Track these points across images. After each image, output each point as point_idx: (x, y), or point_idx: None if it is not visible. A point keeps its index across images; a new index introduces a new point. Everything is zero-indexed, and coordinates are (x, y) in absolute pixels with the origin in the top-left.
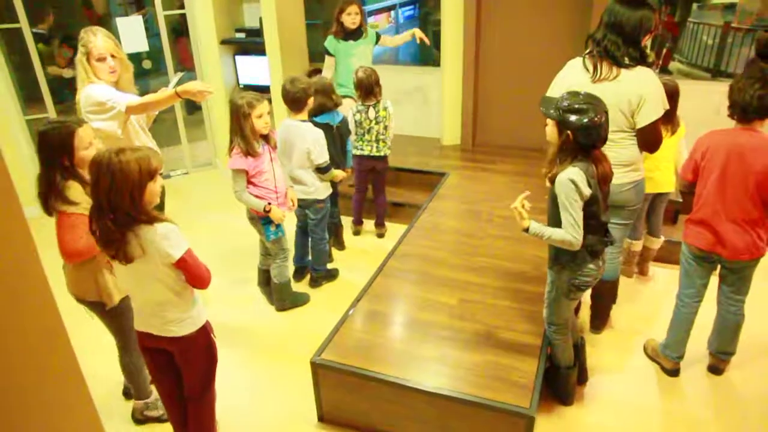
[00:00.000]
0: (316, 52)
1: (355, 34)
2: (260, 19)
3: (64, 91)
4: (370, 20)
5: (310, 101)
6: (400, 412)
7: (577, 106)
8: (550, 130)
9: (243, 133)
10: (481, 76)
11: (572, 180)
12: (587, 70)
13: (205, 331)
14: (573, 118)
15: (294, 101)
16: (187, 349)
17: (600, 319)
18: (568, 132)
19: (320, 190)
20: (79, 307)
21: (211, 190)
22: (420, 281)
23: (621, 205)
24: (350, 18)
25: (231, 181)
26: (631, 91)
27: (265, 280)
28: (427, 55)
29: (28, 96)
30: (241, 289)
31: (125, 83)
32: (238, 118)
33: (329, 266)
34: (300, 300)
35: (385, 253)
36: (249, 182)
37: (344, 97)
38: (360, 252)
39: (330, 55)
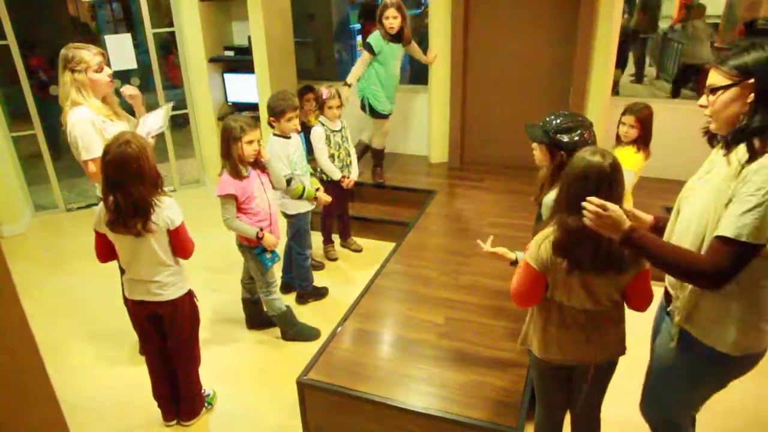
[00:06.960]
0: (305, 70)
1: (398, 37)
2: (249, 37)
3: (52, 108)
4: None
5: (288, 115)
6: None
7: (567, 125)
8: (539, 154)
9: (230, 156)
10: (468, 94)
11: None
12: None
13: (190, 296)
14: (565, 138)
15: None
16: (175, 312)
17: None
18: (562, 153)
19: (287, 204)
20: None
21: (200, 208)
22: (407, 299)
23: None
24: (388, 22)
25: (220, 208)
26: None
27: (255, 313)
28: (416, 74)
29: (15, 113)
30: (227, 308)
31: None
32: (228, 140)
33: (319, 284)
34: (306, 333)
35: (373, 272)
36: (240, 209)
37: (381, 116)
38: (348, 269)
39: (371, 52)
